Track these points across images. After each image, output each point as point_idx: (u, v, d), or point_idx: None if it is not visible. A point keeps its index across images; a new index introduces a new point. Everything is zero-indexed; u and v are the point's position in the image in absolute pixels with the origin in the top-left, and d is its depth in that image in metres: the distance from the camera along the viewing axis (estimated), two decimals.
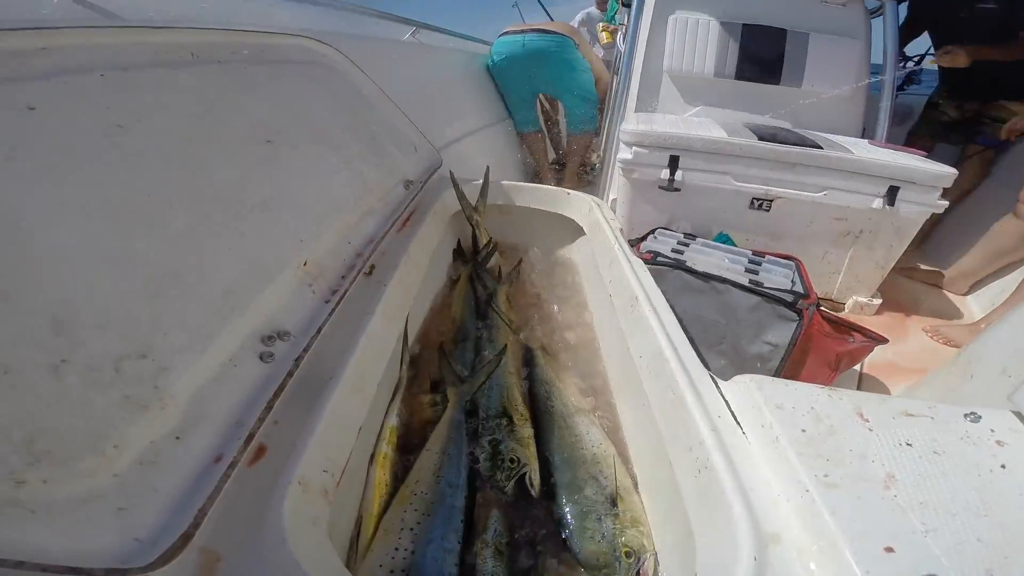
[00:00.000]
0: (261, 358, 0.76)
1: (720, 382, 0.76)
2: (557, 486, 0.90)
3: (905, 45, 3.09)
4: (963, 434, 0.63)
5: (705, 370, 0.78)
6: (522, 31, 3.14)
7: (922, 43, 2.97)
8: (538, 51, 3.12)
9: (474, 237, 1.66)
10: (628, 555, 0.77)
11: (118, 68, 0.77)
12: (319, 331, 0.86)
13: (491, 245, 1.65)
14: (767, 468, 0.62)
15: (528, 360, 1.21)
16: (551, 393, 1.09)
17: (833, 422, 0.64)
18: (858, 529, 0.51)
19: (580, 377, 1.21)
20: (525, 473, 0.90)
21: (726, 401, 0.73)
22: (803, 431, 0.63)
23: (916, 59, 3.10)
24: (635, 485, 0.91)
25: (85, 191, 0.66)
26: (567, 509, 0.86)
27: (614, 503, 0.85)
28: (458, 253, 1.70)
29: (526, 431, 0.98)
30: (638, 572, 0.75)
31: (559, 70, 3.18)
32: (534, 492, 0.88)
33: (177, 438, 0.60)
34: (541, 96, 3.55)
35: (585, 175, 3.88)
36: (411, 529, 0.79)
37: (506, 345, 1.17)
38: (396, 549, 0.76)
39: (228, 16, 1.11)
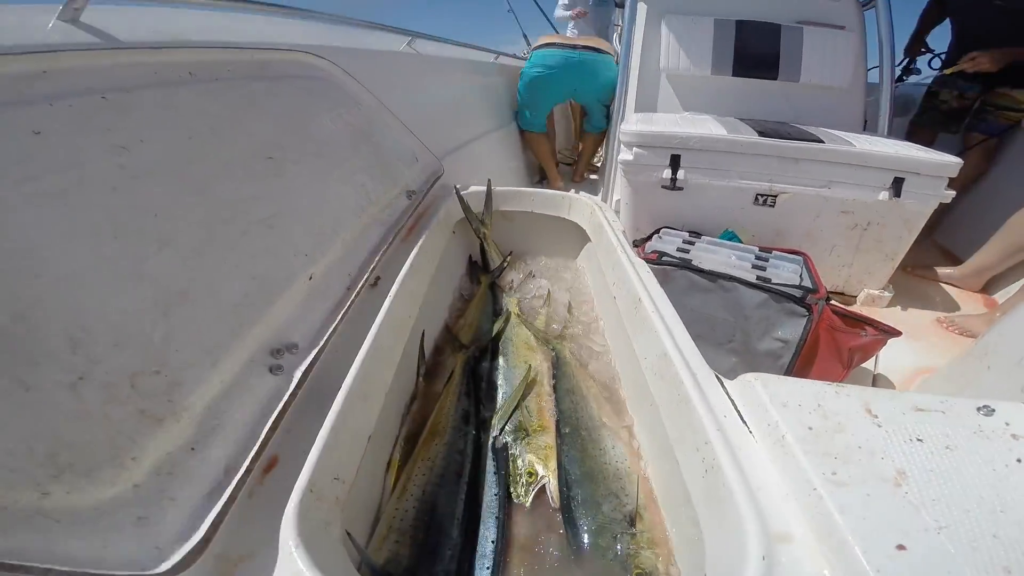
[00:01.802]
0: (271, 370, 0.78)
1: (726, 381, 0.76)
2: (575, 500, 0.88)
3: (928, 31, 3.05)
4: (976, 428, 0.61)
5: (710, 370, 0.78)
6: (573, 45, 3.32)
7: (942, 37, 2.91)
8: (589, 66, 3.29)
9: (483, 250, 1.67)
10: None
11: (119, 90, 0.78)
12: (326, 343, 0.87)
13: (505, 260, 1.66)
14: (774, 467, 0.62)
15: (555, 369, 1.20)
16: (577, 404, 1.07)
17: (841, 419, 0.63)
18: (868, 527, 0.50)
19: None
20: (544, 484, 0.89)
21: (732, 400, 0.72)
22: (809, 429, 0.62)
23: (940, 55, 3.00)
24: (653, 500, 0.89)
25: (94, 213, 0.67)
26: (582, 523, 0.84)
27: (632, 523, 0.82)
28: (472, 267, 1.70)
29: (543, 440, 0.97)
30: None
31: (599, 84, 3.35)
32: (553, 503, 0.87)
33: (192, 449, 0.63)
34: (571, 102, 3.80)
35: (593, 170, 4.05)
36: (419, 488, 0.85)
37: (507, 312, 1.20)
38: (404, 510, 0.81)
39: (224, 34, 1.12)
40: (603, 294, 1.35)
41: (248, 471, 0.64)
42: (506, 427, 1.01)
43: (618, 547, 0.78)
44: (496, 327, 1.31)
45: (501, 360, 1.22)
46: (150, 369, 0.63)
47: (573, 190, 1.73)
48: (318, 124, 1.21)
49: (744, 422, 0.68)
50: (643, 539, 0.79)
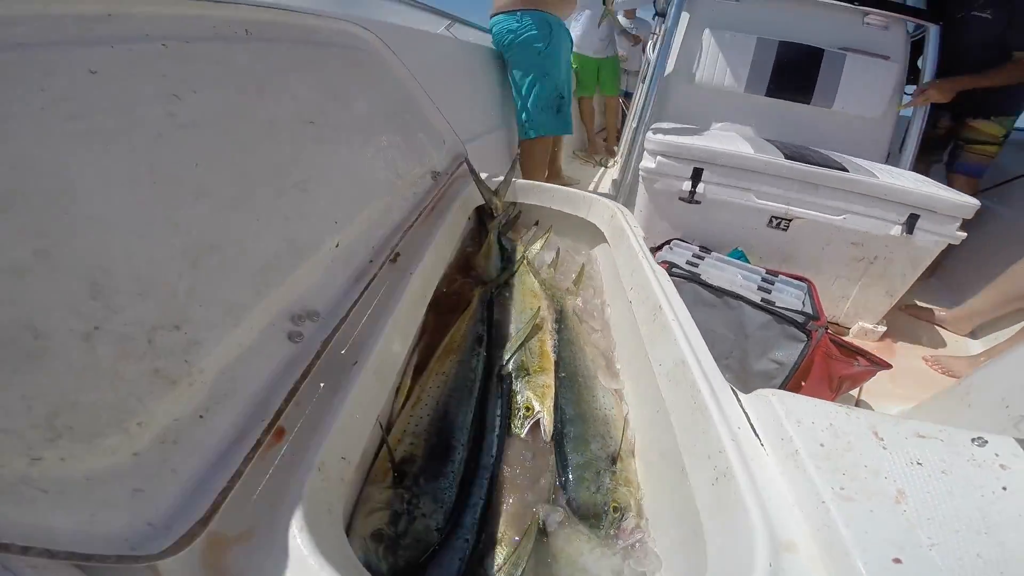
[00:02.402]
0: (290, 337, 0.75)
1: (740, 395, 0.78)
2: (566, 436, 0.99)
3: None
4: (970, 457, 0.65)
5: (726, 382, 0.80)
6: (493, 13, 2.63)
7: None
8: (502, 38, 2.65)
9: (489, 212, 1.68)
10: (615, 510, 0.85)
11: (179, 39, 0.78)
12: (347, 314, 0.86)
13: (515, 211, 1.69)
14: (784, 479, 0.65)
15: (558, 320, 1.29)
16: (575, 355, 1.18)
17: (850, 439, 0.66)
18: (869, 540, 0.53)
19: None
20: (539, 419, 0.98)
21: (746, 413, 0.74)
22: (821, 446, 0.65)
23: None
24: (635, 458, 0.98)
25: (135, 157, 0.66)
26: (572, 458, 0.95)
27: (614, 462, 0.93)
28: (479, 215, 1.70)
29: (542, 380, 1.06)
30: (620, 527, 0.83)
31: (517, 61, 2.71)
32: (545, 436, 0.96)
33: (201, 416, 0.58)
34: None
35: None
36: (432, 399, 0.97)
37: (538, 309, 1.26)
38: (419, 417, 0.93)
39: None
40: (616, 297, 1.37)
41: (257, 444, 0.59)
42: (510, 362, 1.11)
43: (600, 482, 0.90)
44: (505, 275, 1.40)
45: (509, 301, 1.32)
46: (171, 324, 0.59)
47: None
48: (358, 95, 1.21)
49: (757, 435, 0.71)
50: (621, 477, 0.91)
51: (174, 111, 0.73)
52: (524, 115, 2.79)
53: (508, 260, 1.50)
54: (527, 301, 1.30)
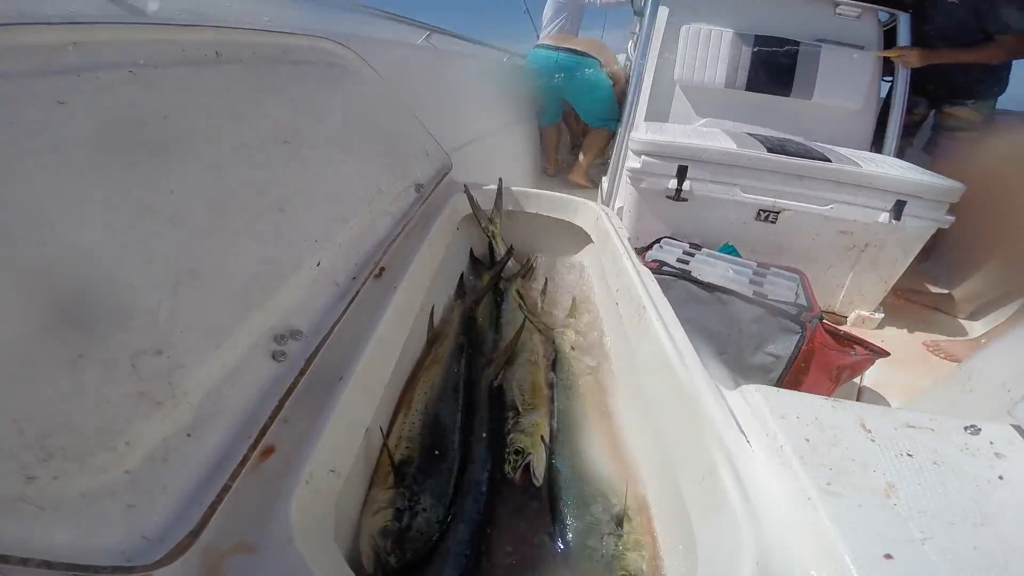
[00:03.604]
0: (273, 357, 0.77)
1: (725, 391, 0.77)
2: (564, 500, 0.89)
3: None
4: (963, 446, 0.64)
5: (711, 379, 0.79)
6: (556, 47, 3.62)
7: None
8: (566, 68, 3.61)
9: (491, 248, 1.66)
10: None
11: (147, 65, 0.78)
12: (330, 332, 0.86)
13: (508, 251, 1.64)
14: (770, 476, 0.63)
15: (556, 360, 1.26)
16: (572, 402, 1.10)
17: (836, 432, 0.65)
18: (858, 536, 0.52)
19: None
20: (529, 462, 0.93)
21: (731, 410, 0.73)
22: (807, 440, 0.64)
23: None
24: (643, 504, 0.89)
25: (109, 186, 0.66)
26: (570, 522, 0.86)
27: (620, 524, 0.83)
28: (474, 262, 1.69)
29: (531, 419, 1.02)
30: None
31: (581, 87, 3.66)
32: (537, 481, 0.91)
33: (188, 435, 0.60)
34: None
35: (597, 169, 4.05)
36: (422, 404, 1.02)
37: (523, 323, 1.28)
38: (411, 423, 0.97)
39: (249, 16, 1.12)
40: (605, 299, 1.36)
41: (244, 460, 0.61)
42: (500, 375, 1.13)
43: (604, 548, 0.80)
44: (483, 290, 1.43)
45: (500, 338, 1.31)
46: (153, 349, 0.61)
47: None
48: (335, 111, 1.21)
49: (742, 431, 0.70)
50: (630, 540, 0.80)
51: (145, 138, 0.73)
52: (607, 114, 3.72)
53: (501, 302, 1.47)
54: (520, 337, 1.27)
